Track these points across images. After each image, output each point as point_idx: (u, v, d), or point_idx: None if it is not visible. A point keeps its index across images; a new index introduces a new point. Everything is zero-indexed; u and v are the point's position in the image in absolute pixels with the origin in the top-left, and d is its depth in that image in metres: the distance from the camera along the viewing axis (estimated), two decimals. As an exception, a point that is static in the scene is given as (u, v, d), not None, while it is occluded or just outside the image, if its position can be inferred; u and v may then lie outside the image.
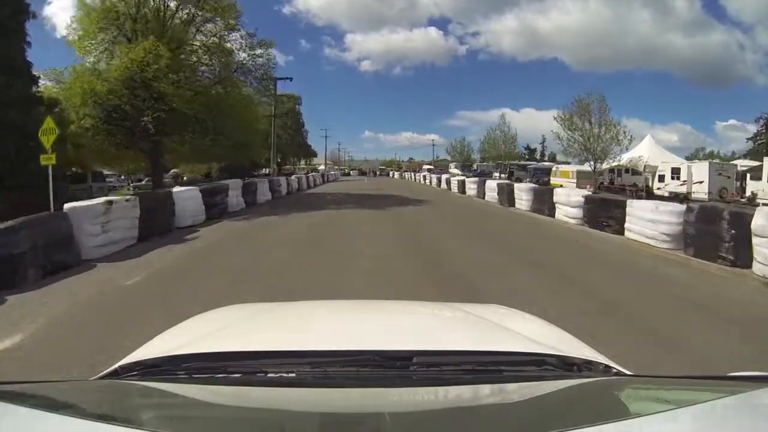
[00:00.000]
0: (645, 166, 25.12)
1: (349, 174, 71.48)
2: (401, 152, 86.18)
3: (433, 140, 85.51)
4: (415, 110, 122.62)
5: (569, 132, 22.19)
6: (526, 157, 54.33)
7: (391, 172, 68.86)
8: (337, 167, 78.80)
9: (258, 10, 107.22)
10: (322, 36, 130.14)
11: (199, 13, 17.72)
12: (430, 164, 63.87)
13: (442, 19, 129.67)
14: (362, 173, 73.11)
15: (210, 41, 18.23)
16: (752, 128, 41.28)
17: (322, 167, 68.20)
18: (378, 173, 72.81)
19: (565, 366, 1.04)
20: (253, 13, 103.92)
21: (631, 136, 22.57)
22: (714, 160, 29.16)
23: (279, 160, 44.25)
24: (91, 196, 10.62)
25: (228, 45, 18.49)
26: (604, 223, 9.86)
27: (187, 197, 10.95)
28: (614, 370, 1.06)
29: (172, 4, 17.31)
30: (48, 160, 8.49)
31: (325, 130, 76.65)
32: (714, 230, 6.61)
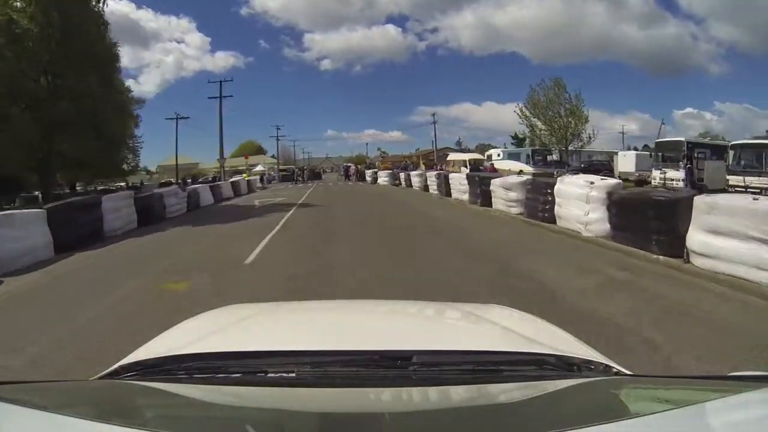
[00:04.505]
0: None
1: (297, 178, 38.06)
2: (364, 148, 71.08)
3: (434, 115, 47.33)
4: (377, 107, 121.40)
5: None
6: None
7: (370, 174, 33.87)
8: (276, 168, 47.42)
9: (216, 12, 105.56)
10: (281, 36, 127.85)
11: None
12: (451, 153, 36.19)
13: (400, 17, 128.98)
14: (315, 175, 42.28)
15: None
16: (708, 115, 40.49)
17: (259, 167, 44.05)
18: (351, 174, 36.70)
19: (565, 366, 1.03)
20: (211, 15, 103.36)
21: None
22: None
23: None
24: None
25: None
26: None
27: None
28: (614, 370, 1.06)
29: None
30: None
31: (221, 83, 33.99)
32: None
